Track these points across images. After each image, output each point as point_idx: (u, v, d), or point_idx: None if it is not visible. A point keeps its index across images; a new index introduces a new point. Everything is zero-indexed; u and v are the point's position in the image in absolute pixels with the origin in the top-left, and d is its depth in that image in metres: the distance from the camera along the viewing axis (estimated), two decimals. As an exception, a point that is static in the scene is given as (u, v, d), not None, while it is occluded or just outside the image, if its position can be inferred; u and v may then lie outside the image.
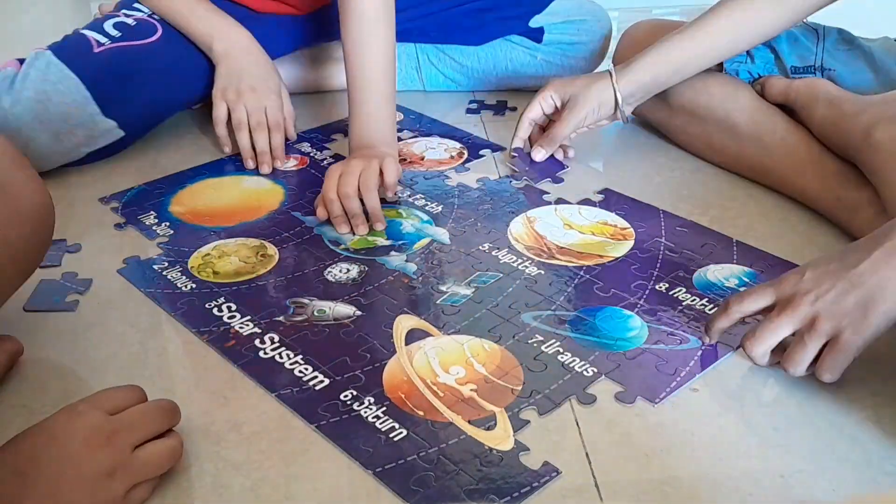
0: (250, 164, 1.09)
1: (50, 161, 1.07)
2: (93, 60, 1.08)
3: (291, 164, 1.11)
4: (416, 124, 1.22)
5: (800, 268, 0.69)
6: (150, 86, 1.12)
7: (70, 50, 1.08)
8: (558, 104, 1.05)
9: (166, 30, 1.13)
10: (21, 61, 1.07)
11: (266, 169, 1.09)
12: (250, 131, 1.10)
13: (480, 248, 0.91)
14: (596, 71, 1.09)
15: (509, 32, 1.29)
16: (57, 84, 1.05)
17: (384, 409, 0.69)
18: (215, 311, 0.82)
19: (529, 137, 1.10)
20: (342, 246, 0.92)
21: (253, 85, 1.10)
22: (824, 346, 0.66)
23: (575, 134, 1.08)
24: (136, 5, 1.15)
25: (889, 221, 0.68)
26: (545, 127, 1.09)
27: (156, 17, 1.14)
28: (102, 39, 1.10)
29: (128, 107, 1.10)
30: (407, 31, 1.28)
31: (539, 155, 1.07)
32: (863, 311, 0.64)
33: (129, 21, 1.13)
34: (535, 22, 1.28)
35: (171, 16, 1.13)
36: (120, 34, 1.11)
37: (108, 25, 1.12)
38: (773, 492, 0.61)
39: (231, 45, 1.12)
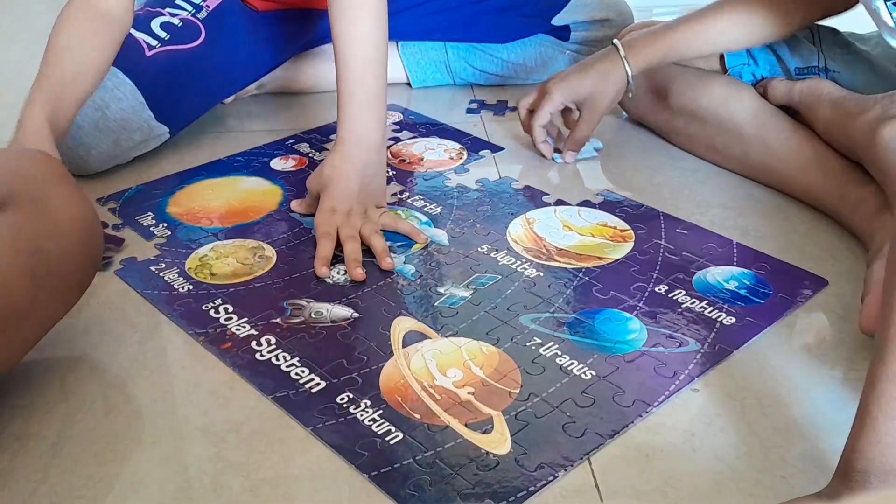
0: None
1: (105, 165, 1.08)
2: (145, 65, 1.08)
3: (290, 164, 1.11)
4: (416, 125, 1.22)
5: None
6: (194, 89, 1.13)
7: (123, 53, 1.06)
8: (572, 107, 1.06)
9: (209, 34, 1.13)
10: None
11: None
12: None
13: (479, 249, 0.90)
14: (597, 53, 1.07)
15: (534, 32, 1.30)
16: (114, 90, 1.05)
17: (380, 411, 0.68)
18: (212, 312, 0.81)
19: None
20: (340, 248, 0.91)
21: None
22: None
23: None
24: (177, 1, 1.14)
25: None
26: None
27: (198, 17, 1.14)
28: (152, 42, 1.09)
29: (175, 110, 1.11)
30: (430, 29, 1.30)
31: (571, 158, 1.09)
32: None
33: (175, 21, 1.12)
34: (558, 20, 1.29)
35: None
36: (168, 36, 1.10)
37: (155, 26, 1.11)
38: (773, 492, 0.61)
39: None
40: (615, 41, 1.05)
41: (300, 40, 1.26)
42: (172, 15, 1.13)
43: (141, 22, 1.11)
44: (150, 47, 1.09)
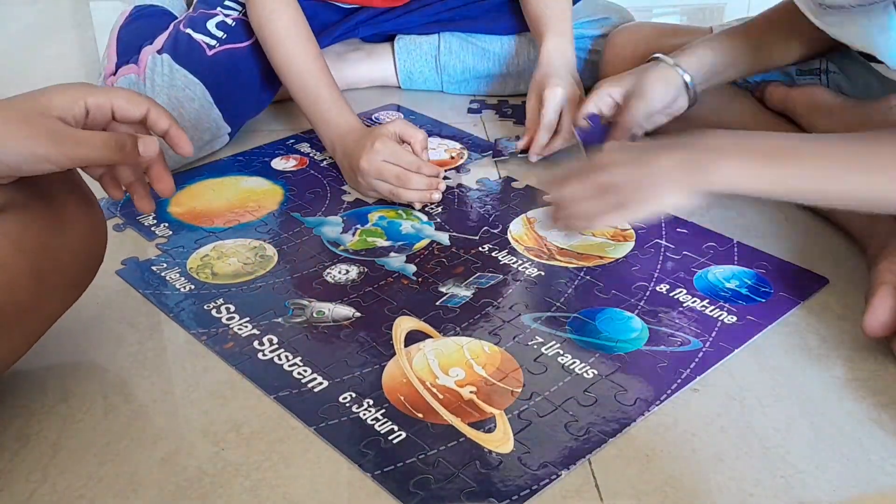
0: None
1: (178, 163, 1.09)
2: (209, 64, 1.10)
3: (291, 164, 1.11)
4: (417, 125, 1.22)
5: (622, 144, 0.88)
6: (250, 88, 1.15)
7: (186, 54, 1.09)
8: (618, 99, 0.98)
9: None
10: (135, 63, 1.09)
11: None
12: None
13: (480, 249, 0.91)
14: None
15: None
16: (185, 90, 1.08)
17: (383, 411, 0.68)
18: (214, 312, 0.82)
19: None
20: (341, 247, 0.92)
21: None
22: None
23: (648, 125, 0.98)
24: (227, 2, 1.17)
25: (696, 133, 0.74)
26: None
27: (247, 16, 1.15)
28: (211, 42, 1.12)
29: (237, 108, 1.13)
30: (431, 23, 1.31)
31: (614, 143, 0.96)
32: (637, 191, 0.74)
33: (229, 21, 1.14)
34: None
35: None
36: (224, 35, 1.13)
37: (211, 26, 1.13)
38: (773, 492, 0.61)
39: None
40: (657, 54, 0.97)
41: (335, 32, 1.27)
42: (226, 15, 1.15)
43: (197, 23, 1.14)
44: (210, 47, 1.11)
